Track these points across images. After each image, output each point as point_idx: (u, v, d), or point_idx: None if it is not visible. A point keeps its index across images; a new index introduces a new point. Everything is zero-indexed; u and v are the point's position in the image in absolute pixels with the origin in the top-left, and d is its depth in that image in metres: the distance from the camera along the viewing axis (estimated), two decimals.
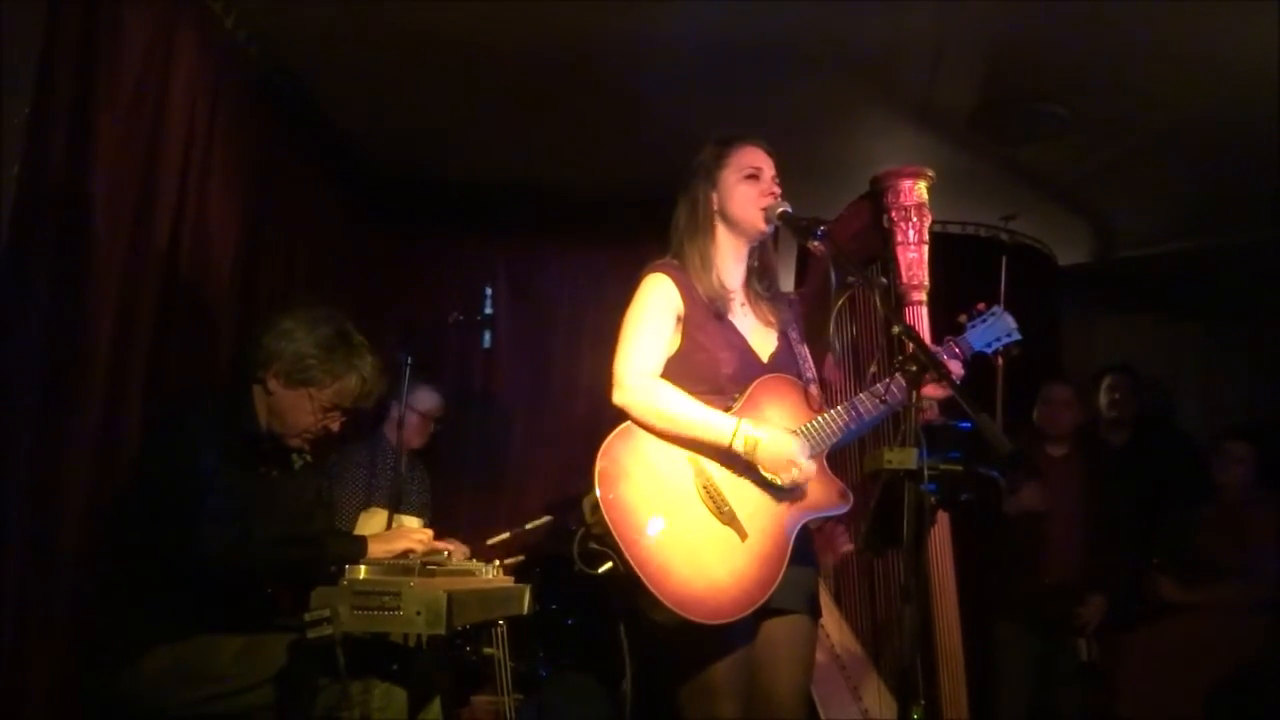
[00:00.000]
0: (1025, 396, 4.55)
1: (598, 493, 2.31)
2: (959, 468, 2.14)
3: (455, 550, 3.01)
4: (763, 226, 2.58)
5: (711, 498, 2.39)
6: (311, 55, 4.13)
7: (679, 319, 2.52)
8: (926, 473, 2.07)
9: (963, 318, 2.65)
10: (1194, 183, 5.10)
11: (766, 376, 2.52)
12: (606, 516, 2.29)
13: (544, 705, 3.97)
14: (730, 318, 2.57)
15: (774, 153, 2.63)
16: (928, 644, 2.67)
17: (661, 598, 2.26)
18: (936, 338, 2.70)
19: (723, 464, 2.42)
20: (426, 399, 4.37)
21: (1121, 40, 3.81)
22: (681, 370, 2.49)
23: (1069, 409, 4.49)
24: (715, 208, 2.59)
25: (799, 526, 2.42)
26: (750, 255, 2.65)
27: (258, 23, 3.86)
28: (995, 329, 2.64)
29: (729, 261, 2.61)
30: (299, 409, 2.71)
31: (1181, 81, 4.07)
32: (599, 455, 2.36)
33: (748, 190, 2.57)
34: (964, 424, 2.17)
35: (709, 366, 2.50)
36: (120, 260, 3.18)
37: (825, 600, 3.21)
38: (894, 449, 2.11)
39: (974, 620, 3.37)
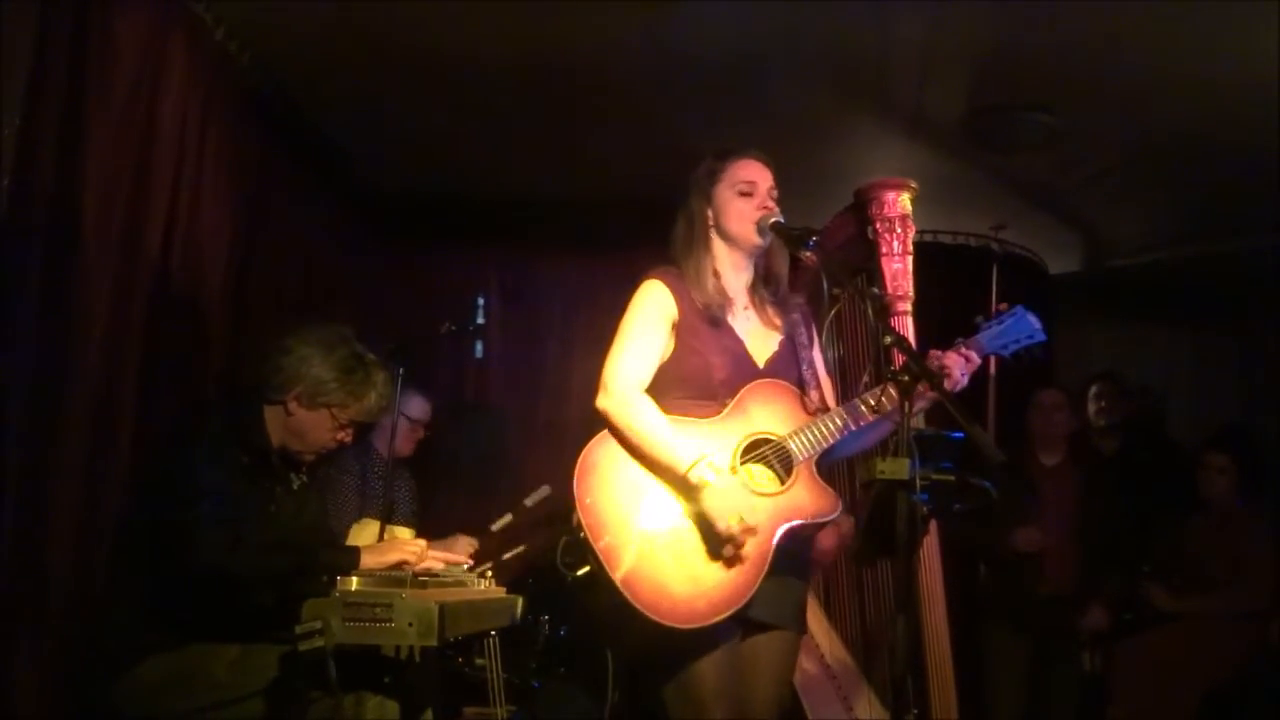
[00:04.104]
0: (1017, 407, 4.56)
1: (575, 497, 2.35)
2: (951, 478, 2.15)
3: (463, 545, 3.02)
4: (757, 241, 2.58)
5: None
6: (302, 65, 4.13)
7: (673, 325, 2.53)
8: (919, 483, 2.08)
9: (979, 319, 2.64)
10: (1184, 191, 5.12)
11: (757, 382, 2.52)
12: (583, 521, 2.34)
13: (536, 717, 3.97)
14: (731, 321, 2.58)
15: (770, 163, 2.64)
16: (918, 653, 2.67)
17: (636, 602, 2.28)
18: (922, 348, 2.70)
19: (680, 489, 2.42)
20: (416, 406, 4.36)
21: (1111, 50, 3.83)
22: (674, 374, 2.51)
23: (1061, 413, 4.48)
24: (710, 222, 2.60)
25: (783, 532, 2.40)
26: (755, 263, 2.66)
27: (248, 33, 3.86)
28: (1013, 330, 2.62)
29: (728, 272, 2.62)
30: (320, 428, 2.79)
31: (1171, 91, 4.08)
32: (578, 461, 2.41)
33: (742, 206, 2.58)
34: (956, 434, 2.17)
35: (701, 371, 2.51)
36: (111, 270, 3.17)
37: (815, 610, 3.21)
38: (886, 459, 2.13)
39: (968, 628, 3.37)
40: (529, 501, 4.15)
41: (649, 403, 2.46)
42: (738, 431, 2.45)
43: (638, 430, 2.42)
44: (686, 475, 2.37)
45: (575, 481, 2.37)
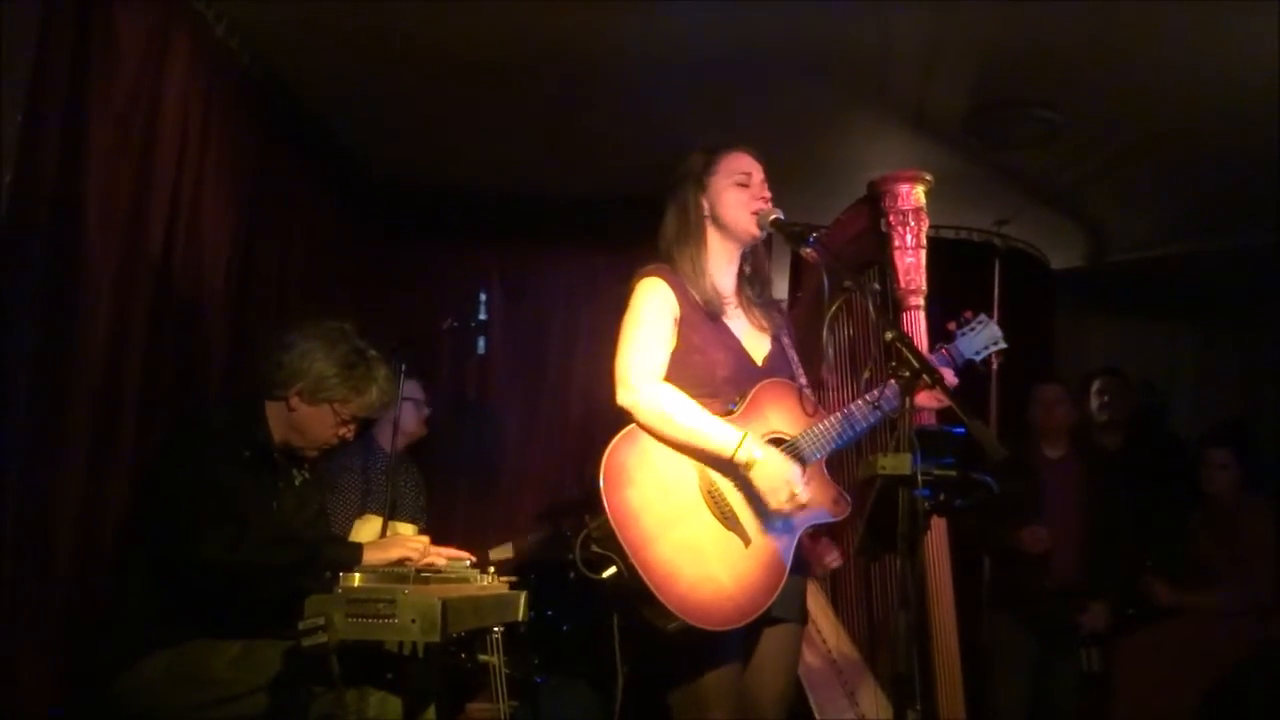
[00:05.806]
0: (1019, 402, 4.56)
1: (603, 497, 2.31)
2: (952, 473, 2.15)
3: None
4: (755, 231, 2.57)
5: (715, 502, 2.40)
6: (304, 62, 4.13)
7: (676, 322, 2.52)
8: (920, 478, 2.08)
9: (952, 325, 2.67)
10: (1186, 186, 5.11)
11: (767, 381, 2.53)
12: (612, 521, 2.29)
13: (540, 712, 3.97)
14: (725, 320, 2.58)
15: (762, 159, 2.63)
16: (924, 648, 2.67)
17: (667, 604, 2.27)
18: (933, 342, 2.71)
19: (726, 470, 2.43)
20: (411, 386, 4.33)
21: (1114, 45, 3.82)
22: (677, 372, 2.49)
23: (1061, 406, 4.49)
24: (706, 213, 2.58)
25: (800, 531, 2.44)
26: (742, 260, 2.66)
27: (249, 30, 3.85)
28: (983, 337, 2.69)
29: (721, 266, 2.61)
30: (322, 424, 2.81)
31: (1174, 86, 4.07)
32: (604, 459, 2.35)
33: (738, 195, 2.57)
34: (957, 429, 2.17)
35: (704, 369, 2.50)
36: (113, 267, 3.17)
37: (821, 604, 3.21)
38: (888, 455, 2.12)
39: (974, 622, 3.36)
40: (532, 539, 4.13)
41: (675, 390, 2.44)
42: (755, 431, 2.45)
43: (673, 418, 2.39)
44: (734, 455, 2.36)
45: (602, 481, 2.31)
